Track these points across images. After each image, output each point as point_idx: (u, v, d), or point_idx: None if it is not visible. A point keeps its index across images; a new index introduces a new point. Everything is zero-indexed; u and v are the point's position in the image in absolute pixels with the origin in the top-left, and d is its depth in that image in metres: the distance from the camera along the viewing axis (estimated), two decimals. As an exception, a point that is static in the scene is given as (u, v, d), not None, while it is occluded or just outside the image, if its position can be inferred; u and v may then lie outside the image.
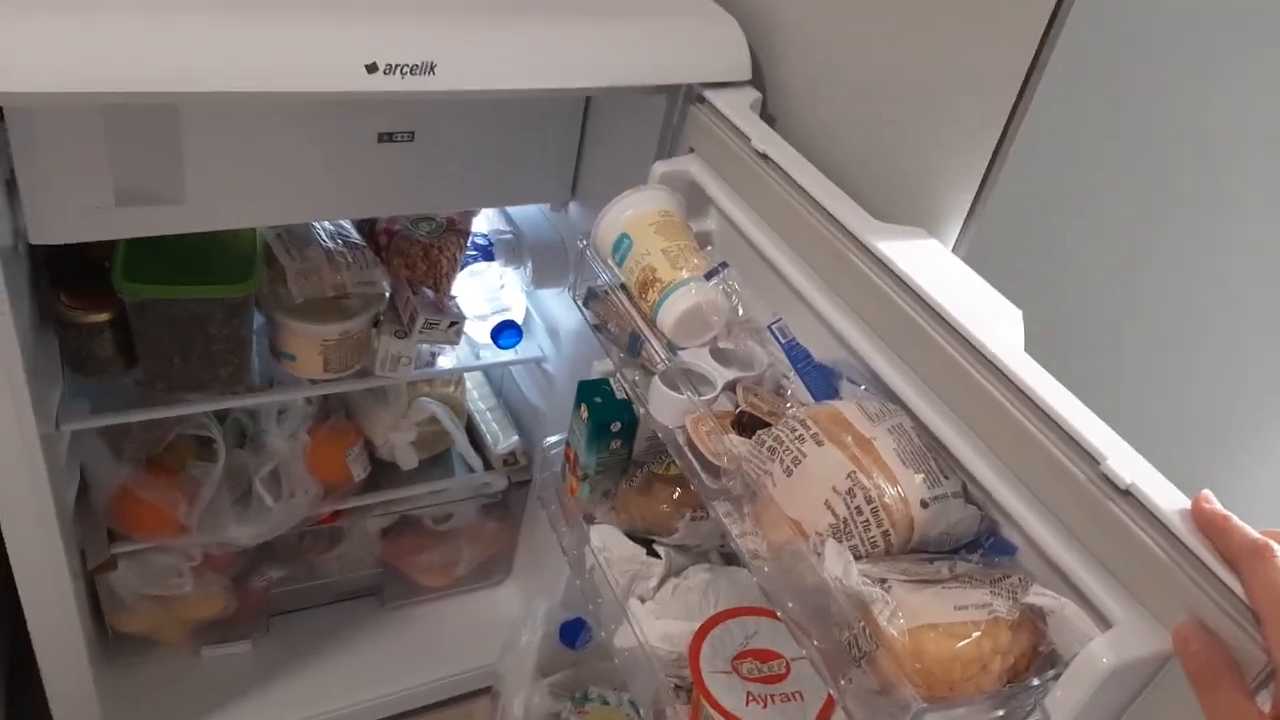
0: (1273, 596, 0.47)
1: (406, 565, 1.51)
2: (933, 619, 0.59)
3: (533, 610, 1.25)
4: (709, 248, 0.90)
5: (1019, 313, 0.68)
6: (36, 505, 0.98)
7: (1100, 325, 0.74)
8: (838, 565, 0.62)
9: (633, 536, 0.98)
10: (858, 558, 0.64)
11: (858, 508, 0.64)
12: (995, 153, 0.74)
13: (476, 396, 1.54)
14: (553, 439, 1.08)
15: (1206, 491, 0.53)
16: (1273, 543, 0.49)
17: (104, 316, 1.04)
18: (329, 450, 1.30)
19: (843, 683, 0.62)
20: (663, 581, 0.96)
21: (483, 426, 1.50)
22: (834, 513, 0.65)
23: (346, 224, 1.21)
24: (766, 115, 0.95)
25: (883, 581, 0.62)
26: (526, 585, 1.57)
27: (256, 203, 1.00)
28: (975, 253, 0.77)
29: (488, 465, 1.46)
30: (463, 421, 1.43)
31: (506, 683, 1.21)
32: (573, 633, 1.22)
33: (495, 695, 1.24)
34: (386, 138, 1.01)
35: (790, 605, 0.67)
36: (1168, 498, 0.54)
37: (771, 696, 0.83)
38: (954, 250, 0.79)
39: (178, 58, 0.72)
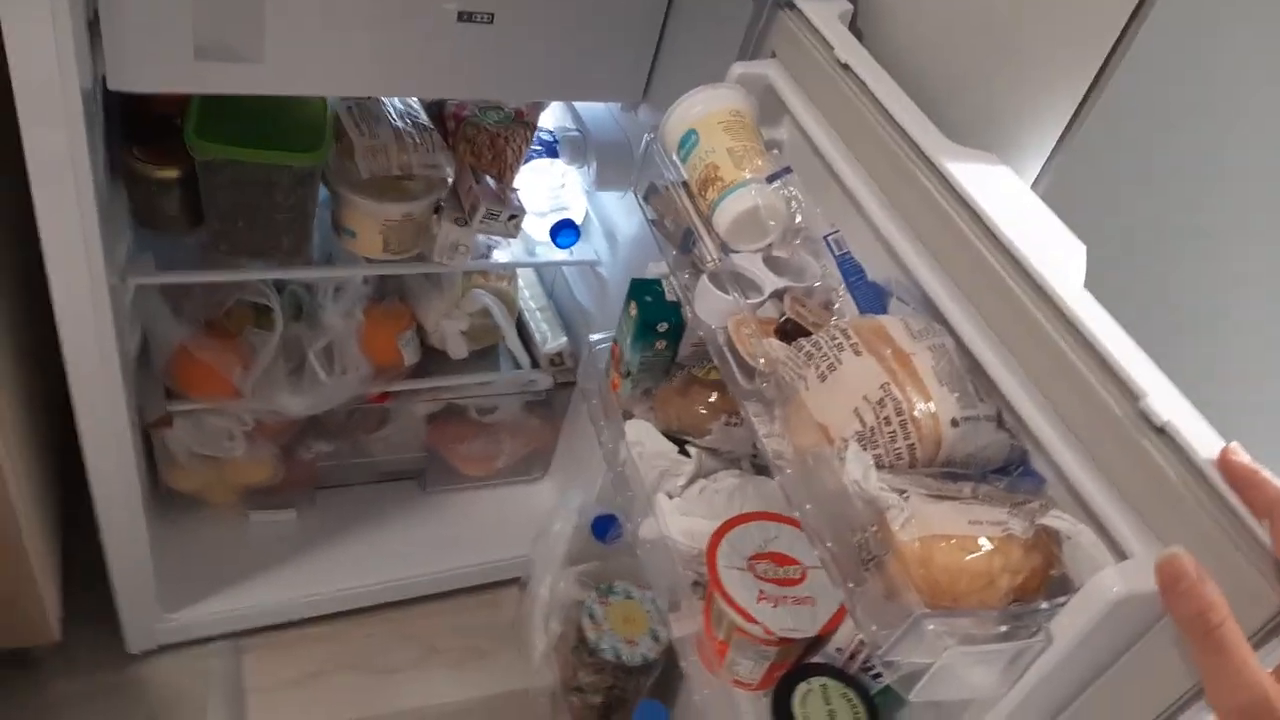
0: None
1: (449, 452, 1.54)
2: (946, 530, 0.59)
3: (566, 501, 1.27)
4: (774, 151, 0.88)
5: (1083, 247, 0.66)
6: (100, 353, 1.01)
7: (1175, 277, 0.72)
8: (858, 469, 0.62)
9: (668, 436, 0.99)
10: (881, 468, 0.64)
11: (886, 418, 0.64)
12: (1090, 88, 0.72)
13: (528, 295, 1.54)
14: (600, 335, 1.09)
15: (1235, 444, 0.51)
16: None
17: (173, 173, 1.06)
18: (382, 331, 1.32)
19: (851, 586, 0.62)
20: (691, 481, 0.97)
21: (532, 325, 1.51)
22: (862, 421, 0.65)
23: (416, 105, 1.21)
24: (855, 29, 0.92)
25: (902, 491, 0.62)
26: (563, 484, 1.60)
27: (334, 71, 0.99)
28: (1055, 190, 0.75)
29: (535, 363, 1.48)
30: (513, 318, 1.44)
31: (536, 567, 1.24)
32: (604, 527, 1.24)
33: (524, 582, 1.27)
34: (467, 17, 0.99)
35: (808, 508, 0.67)
36: (1204, 440, 0.53)
37: (784, 598, 0.84)
38: (1034, 185, 0.77)
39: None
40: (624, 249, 1.34)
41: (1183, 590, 0.48)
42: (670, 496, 0.97)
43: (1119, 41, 0.70)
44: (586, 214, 1.42)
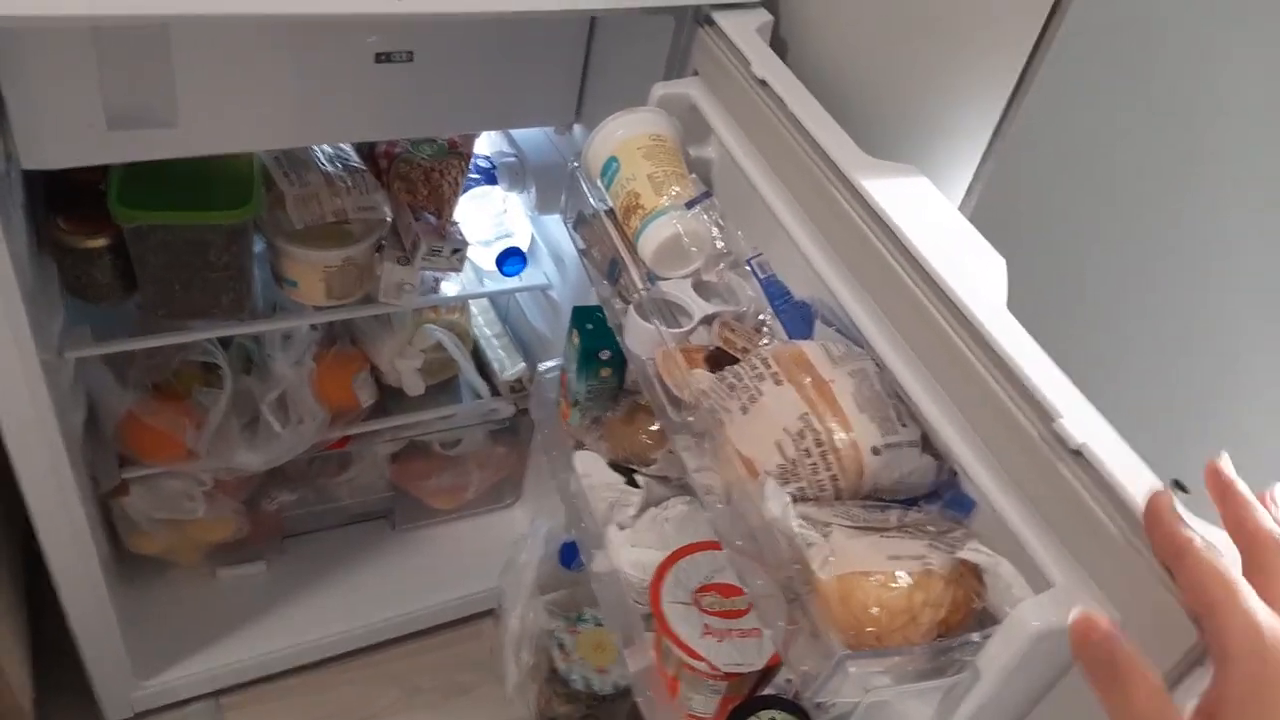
0: (1200, 590, 0.45)
1: (416, 489, 1.53)
2: (865, 566, 0.59)
3: (534, 530, 1.26)
4: (692, 175, 0.87)
5: (1002, 261, 0.65)
6: (42, 431, 0.99)
7: (1111, 289, 0.72)
8: (777, 506, 0.62)
9: (616, 465, 0.98)
10: (805, 500, 0.63)
11: (806, 450, 0.63)
12: (1015, 91, 0.71)
13: (483, 323, 1.53)
14: (549, 364, 1.07)
15: (1155, 486, 0.50)
16: (1195, 539, 0.46)
17: (101, 242, 1.03)
18: (335, 376, 1.30)
19: (781, 624, 0.61)
20: (642, 511, 0.96)
21: (489, 353, 1.50)
22: (783, 454, 0.64)
23: (346, 147, 1.19)
24: (778, 40, 0.92)
25: (826, 526, 0.61)
26: (536, 508, 1.59)
27: (252, 126, 0.98)
28: (986, 202, 0.74)
29: (495, 391, 1.46)
30: (469, 348, 1.43)
31: (506, 597, 1.24)
32: (571, 554, 1.23)
33: (497, 611, 1.27)
34: (384, 58, 0.98)
35: (738, 543, 0.67)
36: (1121, 462, 0.52)
37: (729, 631, 0.83)
38: (965, 197, 0.76)
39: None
40: (573, 270, 1.33)
41: (1093, 641, 0.47)
42: (621, 528, 0.96)
43: (1039, 43, 0.69)
44: (532, 238, 1.40)
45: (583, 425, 1.00)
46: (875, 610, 0.57)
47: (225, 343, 1.24)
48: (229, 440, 1.22)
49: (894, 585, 0.58)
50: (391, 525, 1.56)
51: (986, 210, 0.76)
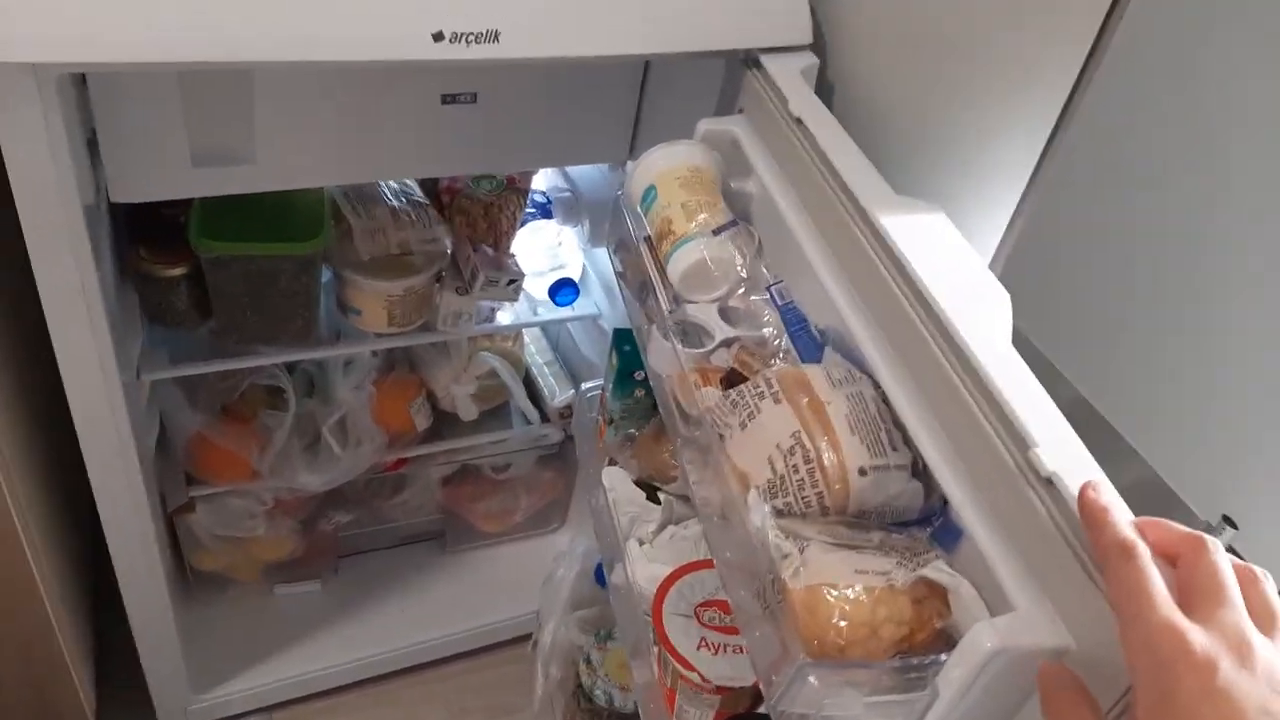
0: (1127, 598, 0.45)
1: (467, 511, 1.57)
2: (830, 579, 0.60)
3: (572, 548, 1.29)
4: (722, 205, 0.89)
5: (1007, 296, 0.67)
6: (119, 450, 1.04)
7: (1157, 324, 0.73)
8: (758, 517, 0.63)
9: (642, 483, 1.01)
10: (791, 515, 0.64)
11: (794, 466, 0.65)
12: (1055, 129, 0.73)
13: (534, 351, 1.57)
14: (591, 383, 1.12)
15: (1096, 480, 0.51)
16: (1140, 544, 0.46)
17: (180, 271, 1.09)
18: (393, 401, 1.34)
19: (756, 634, 0.62)
20: (662, 528, 0.98)
21: (540, 380, 1.53)
22: (773, 469, 0.66)
23: (411, 183, 1.24)
24: (824, 82, 0.95)
25: (805, 540, 0.62)
26: (581, 533, 1.61)
27: (325, 163, 1.03)
28: (1028, 238, 0.76)
29: (545, 418, 1.50)
30: (521, 375, 1.46)
31: (542, 612, 1.26)
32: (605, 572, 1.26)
33: (536, 625, 1.29)
34: (450, 99, 1.02)
35: (727, 555, 0.69)
36: None
37: (725, 646, 0.84)
38: (1006, 232, 0.78)
39: (253, 29, 0.75)
40: (622, 301, 1.36)
41: (1049, 673, 0.49)
42: (641, 543, 0.98)
43: (1078, 83, 0.72)
44: (584, 269, 1.44)
45: (616, 442, 1.03)
46: (839, 622, 0.58)
47: (290, 368, 1.29)
48: (291, 461, 1.27)
49: (857, 599, 0.59)
50: (442, 547, 1.60)
51: (1028, 246, 0.78)
